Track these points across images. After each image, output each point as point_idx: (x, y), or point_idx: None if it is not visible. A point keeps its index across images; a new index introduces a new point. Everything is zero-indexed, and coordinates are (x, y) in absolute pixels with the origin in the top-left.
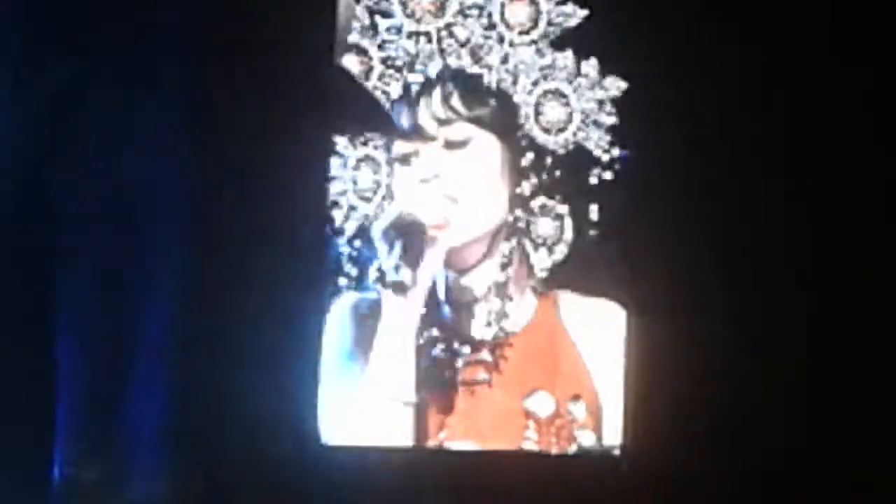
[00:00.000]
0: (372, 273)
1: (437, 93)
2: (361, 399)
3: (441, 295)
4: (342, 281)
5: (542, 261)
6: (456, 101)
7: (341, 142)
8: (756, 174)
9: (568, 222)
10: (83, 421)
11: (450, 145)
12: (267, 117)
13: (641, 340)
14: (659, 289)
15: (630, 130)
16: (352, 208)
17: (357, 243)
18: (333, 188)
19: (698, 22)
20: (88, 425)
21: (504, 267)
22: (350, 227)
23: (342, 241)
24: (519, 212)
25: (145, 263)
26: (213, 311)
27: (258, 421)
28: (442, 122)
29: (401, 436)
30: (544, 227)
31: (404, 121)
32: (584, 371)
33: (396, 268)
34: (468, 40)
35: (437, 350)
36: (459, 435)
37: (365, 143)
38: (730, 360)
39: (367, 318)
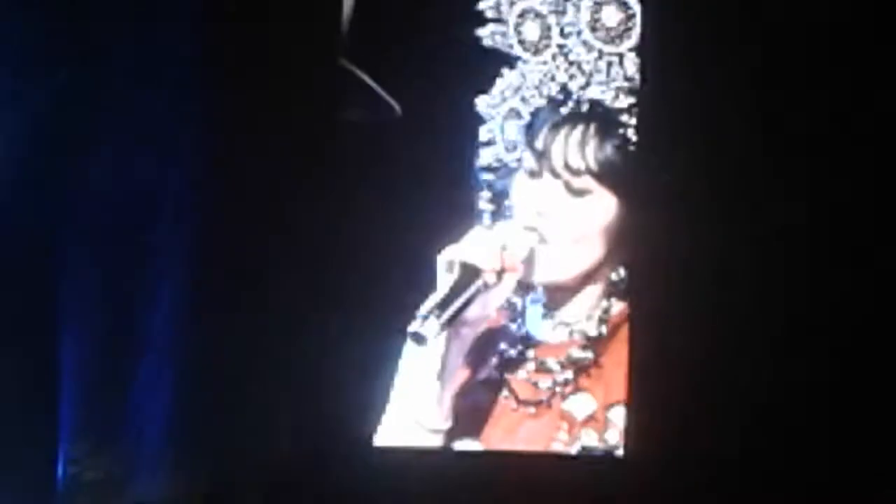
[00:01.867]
0: None
1: (578, 131)
2: (391, 415)
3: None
4: None
5: None
6: (591, 147)
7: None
8: (761, 175)
9: None
10: (87, 420)
11: (570, 190)
12: (274, 118)
13: (645, 342)
14: (662, 290)
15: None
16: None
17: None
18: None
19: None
20: (92, 424)
21: (601, 322)
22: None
23: None
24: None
25: (151, 262)
26: (219, 310)
27: (261, 420)
28: (569, 169)
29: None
30: None
31: (540, 141)
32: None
33: (424, 318)
34: (633, 78)
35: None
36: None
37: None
38: (734, 362)
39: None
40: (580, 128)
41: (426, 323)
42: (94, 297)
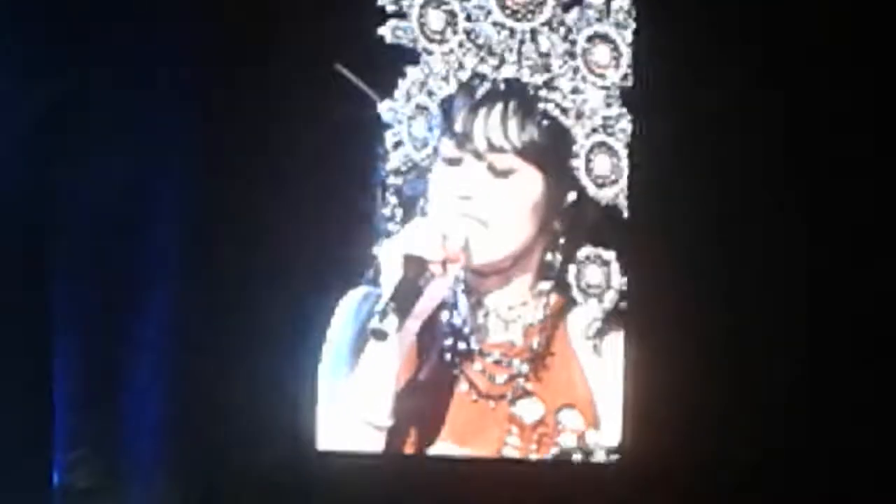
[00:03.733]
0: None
1: (497, 110)
2: (340, 411)
3: (457, 308)
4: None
5: (594, 310)
6: (513, 124)
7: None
8: (760, 182)
9: (615, 268)
10: (81, 428)
11: (493, 171)
12: (267, 121)
13: (640, 347)
14: (659, 294)
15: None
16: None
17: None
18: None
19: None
20: (86, 432)
21: (544, 308)
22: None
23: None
24: (557, 255)
25: (144, 272)
26: (211, 316)
27: (255, 427)
28: (492, 148)
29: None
30: (592, 275)
31: (459, 124)
32: (581, 380)
33: (383, 314)
34: (548, 53)
35: (447, 356)
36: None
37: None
38: (731, 364)
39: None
40: (499, 107)
41: (385, 319)
42: (88, 305)
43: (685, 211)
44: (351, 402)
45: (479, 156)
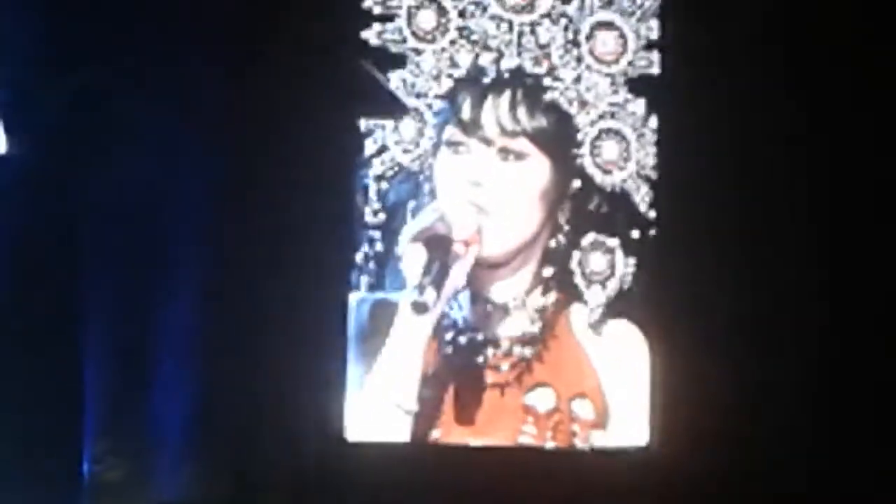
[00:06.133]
0: (391, 277)
1: (506, 97)
2: (364, 400)
3: (467, 299)
4: (363, 280)
5: (597, 297)
6: (522, 111)
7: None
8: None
9: (619, 256)
10: (111, 420)
11: (505, 155)
12: (290, 111)
13: (665, 353)
14: (686, 303)
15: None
16: (392, 163)
17: (379, 246)
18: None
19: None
20: (116, 424)
21: (546, 291)
22: (375, 221)
23: (364, 238)
24: (562, 240)
25: (171, 264)
26: (239, 310)
27: (284, 418)
28: (504, 132)
29: (398, 437)
30: (596, 262)
31: (466, 111)
32: (590, 370)
33: (421, 288)
34: (548, 45)
35: (462, 339)
36: (456, 430)
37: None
38: (751, 366)
39: (380, 319)
40: (507, 93)
41: (425, 292)
42: (117, 299)
43: (709, 215)
44: (379, 388)
45: (488, 142)
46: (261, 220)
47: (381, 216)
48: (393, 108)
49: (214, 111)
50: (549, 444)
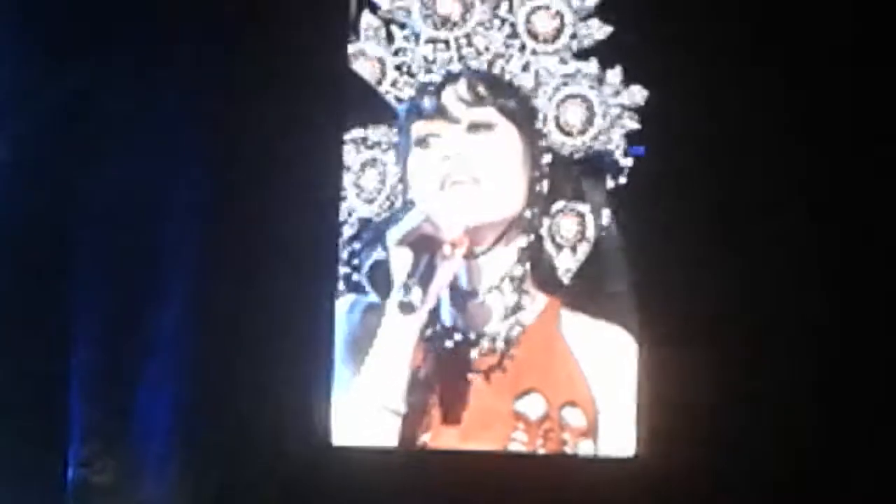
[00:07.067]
0: (375, 279)
1: (462, 81)
2: (351, 403)
3: (455, 284)
4: (342, 284)
5: (567, 261)
6: (482, 87)
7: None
8: (773, 184)
9: (590, 220)
10: (95, 423)
11: (474, 128)
12: (278, 117)
13: (653, 358)
14: (672, 305)
15: (651, 137)
16: (351, 212)
17: (356, 245)
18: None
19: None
20: (100, 427)
21: (521, 261)
22: (350, 230)
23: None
24: (535, 210)
25: (160, 268)
26: (227, 313)
27: (270, 423)
28: (469, 104)
29: (386, 441)
30: (566, 227)
31: (427, 104)
32: (580, 379)
33: (406, 288)
34: (487, 49)
35: (448, 342)
36: (445, 434)
37: (371, 147)
38: (745, 374)
39: (364, 322)
40: (464, 78)
41: (411, 292)
42: (103, 301)
43: (698, 211)
44: (367, 391)
45: (455, 119)
46: (249, 223)
47: (367, 219)
48: (382, 113)
49: (205, 113)
50: (541, 452)
